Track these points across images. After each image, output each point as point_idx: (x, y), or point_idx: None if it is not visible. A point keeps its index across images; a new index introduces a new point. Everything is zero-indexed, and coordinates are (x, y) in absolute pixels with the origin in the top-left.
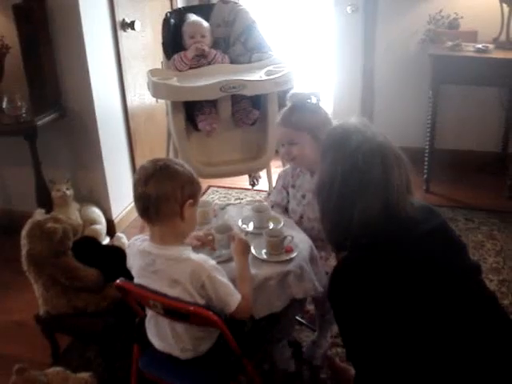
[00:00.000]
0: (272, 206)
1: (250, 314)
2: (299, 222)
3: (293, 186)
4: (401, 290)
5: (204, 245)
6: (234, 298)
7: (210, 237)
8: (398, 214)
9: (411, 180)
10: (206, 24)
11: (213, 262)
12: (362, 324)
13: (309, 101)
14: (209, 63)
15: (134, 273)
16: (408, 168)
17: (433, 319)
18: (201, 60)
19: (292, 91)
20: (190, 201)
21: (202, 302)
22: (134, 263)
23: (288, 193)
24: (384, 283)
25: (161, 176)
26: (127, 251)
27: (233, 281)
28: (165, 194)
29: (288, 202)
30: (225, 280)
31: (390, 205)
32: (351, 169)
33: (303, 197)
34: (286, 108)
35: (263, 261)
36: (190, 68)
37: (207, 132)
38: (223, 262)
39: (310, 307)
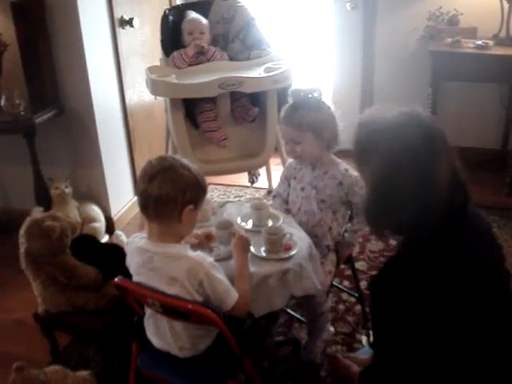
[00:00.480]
0: (274, 196)
1: (247, 312)
2: (297, 214)
3: (294, 178)
4: (458, 292)
5: (201, 244)
6: (231, 295)
7: (209, 235)
8: (463, 210)
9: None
10: (204, 21)
11: (210, 260)
12: (403, 321)
13: (310, 96)
14: (208, 60)
15: (132, 271)
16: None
17: (478, 326)
18: (200, 57)
19: (293, 87)
20: (191, 206)
21: (200, 299)
22: (132, 261)
23: (290, 184)
24: (440, 283)
25: (164, 177)
26: (126, 249)
27: (231, 279)
28: (165, 196)
29: (288, 194)
30: (222, 277)
31: (455, 199)
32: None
33: (302, 189)
34: (287, 105)
35: (262, 259)
36: (189, 65)
37: (223, 145)
38: (222, 259)
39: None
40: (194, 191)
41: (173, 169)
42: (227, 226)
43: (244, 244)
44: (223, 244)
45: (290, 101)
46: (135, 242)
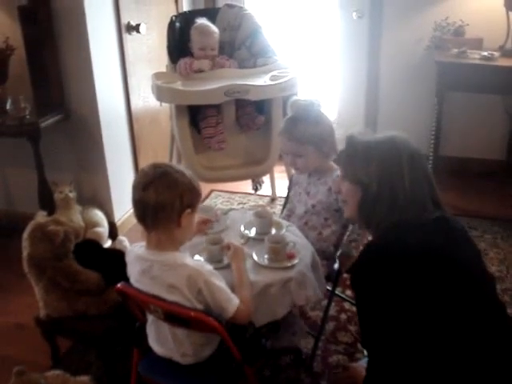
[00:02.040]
0: (289, 215)
1: (248, 320)
2: (293, 218)
3: (295, 184)
4: (419, 281)
5: (200, 230)
6: (231, 303)
7: (204, 221)
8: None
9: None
10: (215, 33)
11: (210, 267)
12: (380, 311)
13: (311, 108)
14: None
15: (132, 280)
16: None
17: (446, 314)
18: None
19: (293, 99)
20: (189, 210)
21: (200, 307)
22: (132, 270)
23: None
24: (405, 272)
25: (160, 184)
26: (126, 259)
27: (232, 287)
28: (163, 202)
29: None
30: (222, 285)
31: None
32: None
33: (299, 194)
34: (288, 118)
35: (265, 267)
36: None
37: (220, 148)
38: (222, 268)
39: (312, 313)
40: (191, 195)
41: (167, 174)
42: (218, 242)
43: (240, 254)
44: (215, 258)
45: (290, 113)
46: (135, 250)
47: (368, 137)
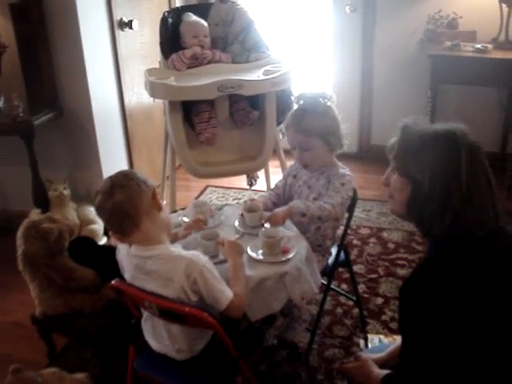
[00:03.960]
0: (272, 189)
1: (241, 314)
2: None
3: (294, 176)
4: (483, 303)
5: (194, 227)
6: (225, 295)
7: (197, 220)
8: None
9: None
10: (206, 24)
11: (205, 258)
12: (435, 329)
13: (319, 100)
14: (208, 62)
15: (127, 276)
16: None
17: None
18: (200, 59)
19: (300, 92)
20: (156, 189)
21: (195, 298)
22: (126, 266)
23: (286, 181)
24: (471, 289)
25: (120, 181)
26: (117, 256)
27: (228, 282)
28: (134, 192)
29: (284, 190)
30: (216, 276)
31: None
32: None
33: (299, 187)
34: (295, 111)
35: (259, 261)
36: (189, 67)
37: (207, 139)
38: (218, 263)
39: (310, 307)
40: (149, 180)
41: (121, 173)
42: (213, 237)
43: (235, 248)
44: (210, 254)
45: (297, 106)
46: (125, 247)
47: (424, 127)
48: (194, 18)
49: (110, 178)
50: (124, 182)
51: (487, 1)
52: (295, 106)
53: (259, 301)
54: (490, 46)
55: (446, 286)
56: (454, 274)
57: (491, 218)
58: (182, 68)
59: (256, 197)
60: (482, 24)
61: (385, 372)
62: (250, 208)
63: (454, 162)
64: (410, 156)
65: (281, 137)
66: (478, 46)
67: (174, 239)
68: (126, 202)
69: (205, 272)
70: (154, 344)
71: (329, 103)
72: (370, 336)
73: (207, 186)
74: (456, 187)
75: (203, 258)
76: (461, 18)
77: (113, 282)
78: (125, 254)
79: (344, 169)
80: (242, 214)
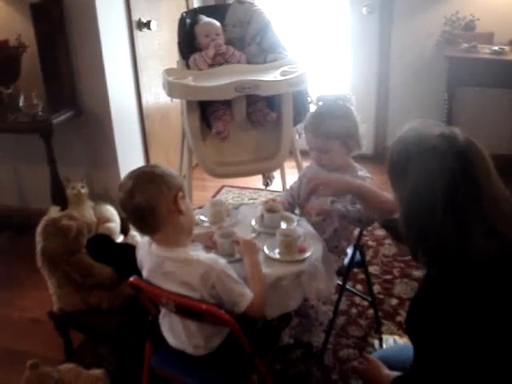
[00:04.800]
0: (287, 190)
1: (262, 314)
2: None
3: (304, 175)
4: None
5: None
6: (244, 297)
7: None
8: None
9: None
10: (218, 24)
11: (223, 262)
12: (445, 343)
13: (340, 102)
14: (226, 61)
15: (144, 273)
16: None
17: None
18: (217, 58)
19: (320, 93)
20: (180, 193)
21: (212, 301)
22: (143, 264)
23: (301, 182)
24: (479, 306)
25: (141, 183)
26: (137, 252)
27: (245, 280)
28: (154, 197)
29: (298, 192)
30: (235, 279)
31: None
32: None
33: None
34: (314, 113)
35: (276, 260)
36: (210, 66)
37: (220, 133)
38: (234, 262)
39: (326, 308)
40: (173, 179)
41: (143, 173)
42: (229, 236)
43: (251, 247)
44: (226, 252)
45: (316, 108)
46: (146, 245)
47: (412, 139)
48: (206, 19)
49: (134, 175)
50: (145, 184)
51: (505, 2)
52: (313, 108)
53: (275, 299)
54: (507, 48)
55: (455, 303)
56: (460, 292)
57: (478, 234)
58: (204, 67)
59: (274, 197)
60: (499, 26)
61: (395, 374)
62: (271, 208)
63: (432, 186)
64: (396, 175)
65: (297, 137)
66: (496, 47)
67: (194, 238)
68: (145, 208)
69: (223, 277)
70: (171, 340)
71: (348, 105)
72: (384, 336)
73: (223, 186)
74: (431, 208)
75: (221, 262)
76: (478, 19)
77: (130, 278)
78: (145, 250)
79: (362, 170)
80: (262, 215)
